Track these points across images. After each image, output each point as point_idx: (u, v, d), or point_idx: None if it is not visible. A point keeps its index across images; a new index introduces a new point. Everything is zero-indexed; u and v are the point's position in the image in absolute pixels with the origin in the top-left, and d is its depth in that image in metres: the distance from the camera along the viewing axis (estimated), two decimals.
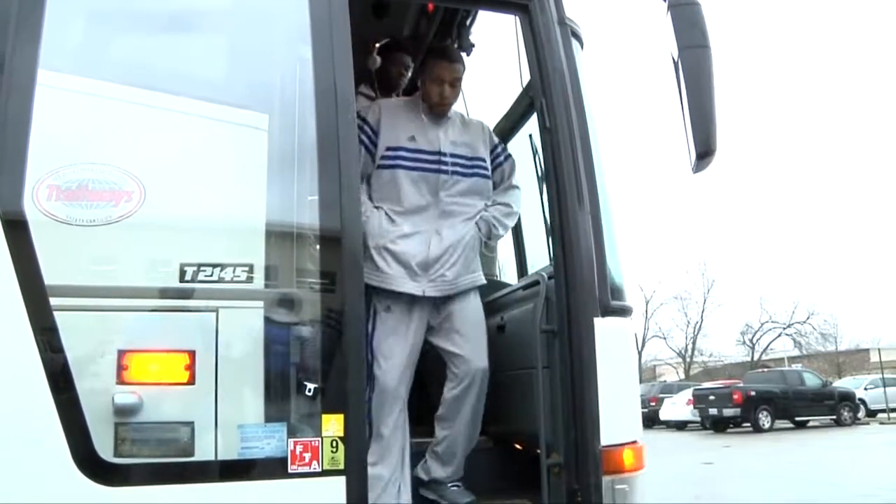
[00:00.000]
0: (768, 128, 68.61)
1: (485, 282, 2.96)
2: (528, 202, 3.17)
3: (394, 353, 2.79)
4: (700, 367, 46.16)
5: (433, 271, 2.80)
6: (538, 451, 2.57)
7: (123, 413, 1.96)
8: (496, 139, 3.13)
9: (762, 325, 44.21)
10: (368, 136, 2.85)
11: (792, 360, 41.29)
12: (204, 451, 2.00)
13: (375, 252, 2.78)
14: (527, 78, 2.92)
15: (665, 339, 45.69)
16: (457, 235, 2.86)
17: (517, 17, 2.71)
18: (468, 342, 2.85)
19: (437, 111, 2.94)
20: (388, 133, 2.88)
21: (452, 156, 2.90)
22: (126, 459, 1.94)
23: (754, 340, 44.53)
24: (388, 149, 2.86)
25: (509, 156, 3.11)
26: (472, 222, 2.91)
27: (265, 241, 2.22)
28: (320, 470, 2.03)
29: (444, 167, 2.87)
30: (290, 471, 2.02)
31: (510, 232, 3.62)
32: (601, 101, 2.87)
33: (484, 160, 2.98)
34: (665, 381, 35.54)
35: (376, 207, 2.84)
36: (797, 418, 23.04)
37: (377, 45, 3.70)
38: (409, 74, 3.79)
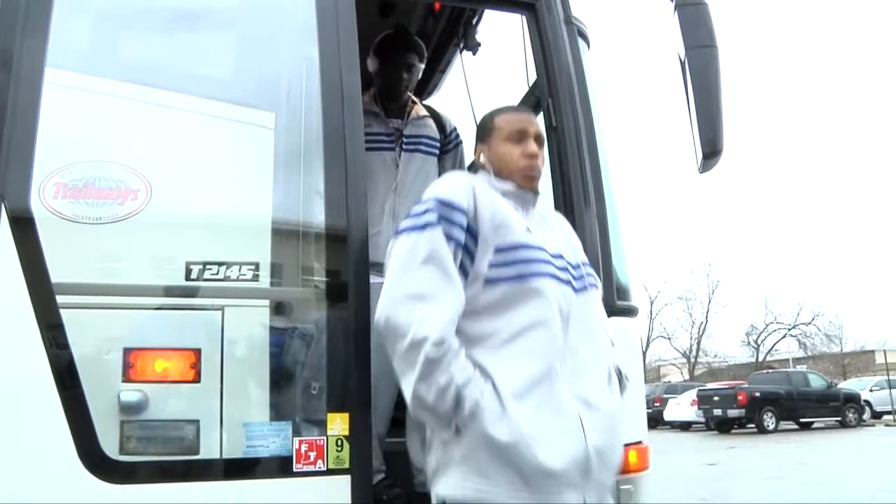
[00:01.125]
0: (774, 128, 68.57)
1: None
2: None
3: None
4: (704, 368, 46.05)
5: (595, 470, 1.72)
6: None
7: (129, 411, 1.96)
8: None
9: (767, 326, 44.17)
10: (466, 232, 1.77)
11: (797, 361, 41.22)
12: (209, 450, 2.01)
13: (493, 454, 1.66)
14: (533, 77, 2.91)
15: (669, 339, 45.68)
16: (610, 396, 1.84)
17: (524, 17, 2.71)
18: None
19: (529, 183, 1.93)
20: (493, 224, 1.80)
21: (563, 258, 1.89)
22: (131, 457, 1.94)
23: (759, 341, 44.43)
24: (499, 251, 1.78)
25: None
26: (606, 370, 1.87)
27: (271, 240, 2.22)
28: (325, 469, 2.03)
29: (562, 275, 1.84)
30: (295, 470, 2.01)
31: None
32: (607, 100, 2.84)
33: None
34: (669, 382, 35.57)
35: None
36: (802, 419, 22.96)
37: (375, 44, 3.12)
38: (415, 75, 3.19)
